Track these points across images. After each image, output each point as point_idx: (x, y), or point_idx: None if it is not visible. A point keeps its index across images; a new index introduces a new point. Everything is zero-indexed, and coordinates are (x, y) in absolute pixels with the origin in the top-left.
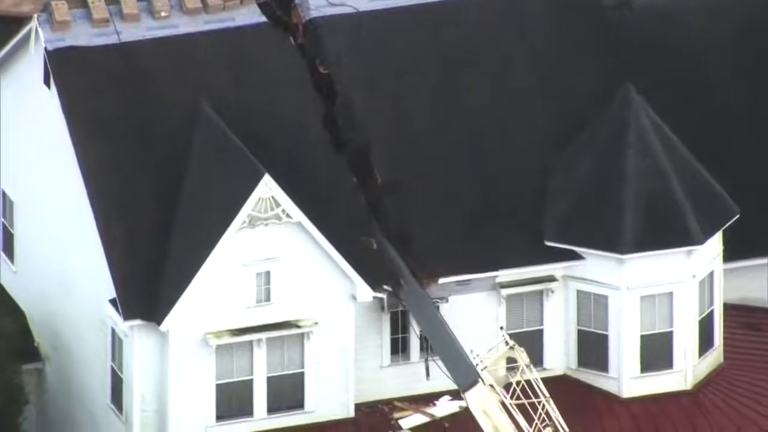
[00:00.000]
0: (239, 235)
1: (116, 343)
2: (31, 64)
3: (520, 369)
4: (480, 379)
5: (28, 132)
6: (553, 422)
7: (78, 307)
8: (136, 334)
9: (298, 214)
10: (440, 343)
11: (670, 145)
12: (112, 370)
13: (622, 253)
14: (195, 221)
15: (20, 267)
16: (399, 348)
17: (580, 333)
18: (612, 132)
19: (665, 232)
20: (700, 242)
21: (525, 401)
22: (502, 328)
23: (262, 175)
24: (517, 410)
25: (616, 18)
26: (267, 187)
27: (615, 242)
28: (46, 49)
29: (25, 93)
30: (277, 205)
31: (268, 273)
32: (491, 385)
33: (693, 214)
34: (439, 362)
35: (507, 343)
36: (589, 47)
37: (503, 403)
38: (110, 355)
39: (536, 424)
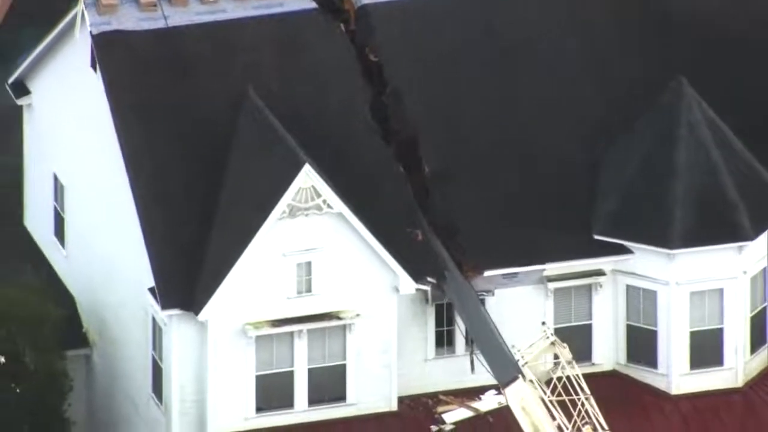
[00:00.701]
0: (279, 225)
1: (157, 332)
2: (80, 46)
3: (561, 365)
4: (520, 375)
5: (76, 115)
6: (592, 420)
7: (121, 294)
8: (174, 324)
9: (339, 205)
10: (482, 338)
11: (723, 139)
12: (153, 359)
13: (671, 248)
14: (236, 210)
15: (70, 252)
16: (444, 341)
17: (629, 328)
18: (663, 125)
19: (715, 227)
20: (751, 238)
21: (565, 398)
22: (544, 323)
23: (303, 165)
24: (557, 407)
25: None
26: (307, 177)
27: (664, 237)
28: (91, 32)
29: (74, 75)
30: (318, 195)
31: (309, 263)
32: (532, 381)
33: (744, 210)
34: (480, 356)
35: (548, 338)
36: (647, 36)
37: (543, 400)
38: (151, 343)
39: (575, 421)
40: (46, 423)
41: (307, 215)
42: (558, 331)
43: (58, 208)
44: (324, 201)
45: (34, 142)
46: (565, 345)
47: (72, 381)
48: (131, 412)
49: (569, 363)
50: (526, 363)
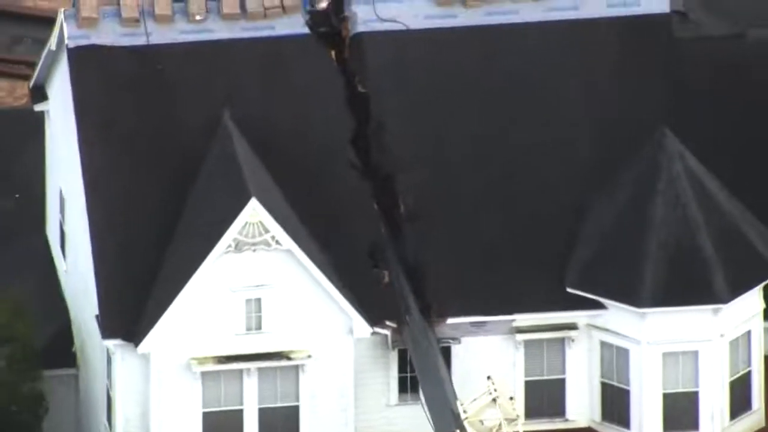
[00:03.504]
0: (225, 260)
1: (109, 361)
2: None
3: (499, 423)
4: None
5: (69, 130)
6: None
7: (93, 315)
8: (119, 354)
9: (288, 242)
10: (428, 387)
11: (705, 195)
12: (107, 387)
13: (640, 306)
14: (187, 241)
15: (69, 266)
16: (408, 387)
17: (603, 385)
18: (643, 177)
19: (688, 287)
20: (725, 301)
21: None
22: (489, 377)
23: (249, 199)
24: None
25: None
26: (254, 211)
27: (633, 294)
28: (67, 46)
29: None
30: (266, 230)
31: (258, 300)
32: None
33: (721, 271)
34: (425, 406)
35: (490, 394)
36: (649, 82)
37: None
38: (106, 371)
39: None
40: None
41: (254, 250)
42: (530, 385)
43: (62, 221)
44: (272, 237)
45: (49, 151)
46: (513, 400)
47: (47, 402)
48: None
49: (512, 421)
50: (466, 418)
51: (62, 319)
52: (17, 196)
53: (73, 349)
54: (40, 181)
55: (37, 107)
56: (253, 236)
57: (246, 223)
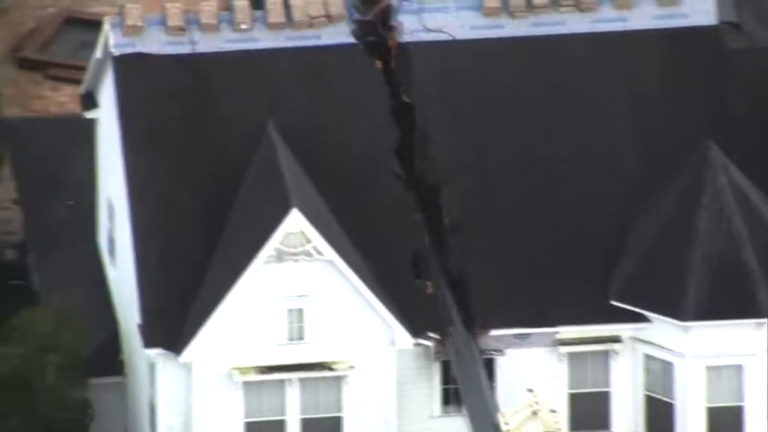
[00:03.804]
0: (267, 269)
1: (152, 369)
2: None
3: None
4: None
5: (115, 137)
6: None
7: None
8: (161, 363)
9: (329, 252)
10: (470, 400)
11: (749, 209)
12: (150, 396)
13: (683, 320)
14: (231, 250)
15: (118, 273)
16: (451, 398)
17: (647, 398)
18: (688, 190)
19: (732, 301)
20: None
21: None
22: (530, 390)
23: (291, 209)
24: None
25: None
26: (295, 221)
27: (677, 308)
28: (112, 54)
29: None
30: (308, 240)
31: (300, 310)
32: None
33: (765, 284)
34: (468, 419)
35: (531, 407)
36: (702, 93)
37: None
38: (149, 380)
39: None
40: None
41: (296, 260)
42: (573, 397)
43: (111, 228)
44: (314, 247)
45: (99, 158)
46: (555, 413)
47: (94, 410)
48: None
49: None
50: (508, 430)
51: (111, 327)
52: (71, 203)
53: (121, 357)
54: (92, 188)
55: (88, 114)
56: (295, 246)
57: (287, 233)
